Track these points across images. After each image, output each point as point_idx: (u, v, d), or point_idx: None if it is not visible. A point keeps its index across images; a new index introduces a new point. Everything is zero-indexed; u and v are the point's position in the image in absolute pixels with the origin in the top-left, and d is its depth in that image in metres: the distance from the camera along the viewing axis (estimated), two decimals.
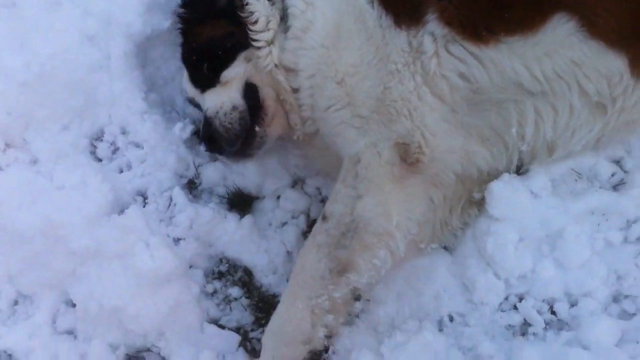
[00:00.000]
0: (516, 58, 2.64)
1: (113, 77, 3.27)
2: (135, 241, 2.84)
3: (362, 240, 2.66)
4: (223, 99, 3.00)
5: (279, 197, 3.25)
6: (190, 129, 3.33)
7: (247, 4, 2.98)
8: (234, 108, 2.97)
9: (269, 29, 2.98)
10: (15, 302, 3.00)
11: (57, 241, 2.86)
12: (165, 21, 3.31)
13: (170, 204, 3.11)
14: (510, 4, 2.63)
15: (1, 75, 3.17)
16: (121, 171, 3.21)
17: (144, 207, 3.07)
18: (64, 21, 3.27)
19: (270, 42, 2.97)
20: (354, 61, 2.77)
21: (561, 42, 2.61)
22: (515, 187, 2.78)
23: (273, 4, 3.01)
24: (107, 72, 3.27)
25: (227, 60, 3.04)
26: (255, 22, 2.96)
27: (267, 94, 3.03)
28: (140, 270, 2.79)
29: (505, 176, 2.81)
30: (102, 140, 3.28)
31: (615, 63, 2.63)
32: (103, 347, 2.80)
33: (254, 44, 2.97)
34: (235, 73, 3.02)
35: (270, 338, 2.76)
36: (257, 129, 3.00)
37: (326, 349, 2.83)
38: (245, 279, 3.12)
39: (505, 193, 2.77)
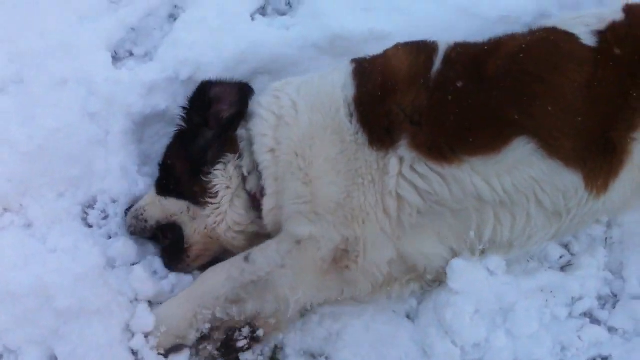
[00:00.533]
0: (477, 175, 2.93)
1: (109, 151, 3.57)
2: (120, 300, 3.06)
3: (262, 295, 2.96)
4: (147, 207, 3.39)
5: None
6: None
7: (212, 174, 3.27)
8: (145, 221, 3.38)
9: (226, 205, 3.27)
10: (1, 356, 3.12)
11: (46, 300, 3.01)
12: (164, 102, 3.65)
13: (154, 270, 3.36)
14: (475, 128, 2.93)
15: (6, 145, 3.39)
16: (109, 237, 3.44)
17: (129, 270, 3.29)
18: (69, 99, 3.57)
19: (223, 214, 3.27)
20: (325, 168, 3.03)
21: (521, 161, 2.92)
22: (474, 264, 3.08)
23: (237, 186, 3.27)
24: (105, 147, 3.56)
25: (168, 192, 3.39)
26: (215, 195, 3.27)
27: (195, 241, 3.34)
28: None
29: (465, 254, 3.09)
30: (93, 208, 3.53)
31: (571, 179, 2.94)
32: None
33: (205, 210, 3.28)
34: (167, 208, 3.37)
35: (163, 308, 3.08)
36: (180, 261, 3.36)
37: None
38: None
39: (464, 269, 3.05)
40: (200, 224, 3.31)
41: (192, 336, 3.02)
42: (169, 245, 3.41)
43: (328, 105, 3.12)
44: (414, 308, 3.21)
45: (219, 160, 3.28)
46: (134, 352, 2.99)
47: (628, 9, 3.14)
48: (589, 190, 2.96)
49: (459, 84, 2.97)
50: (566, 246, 3.26)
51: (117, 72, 3.77)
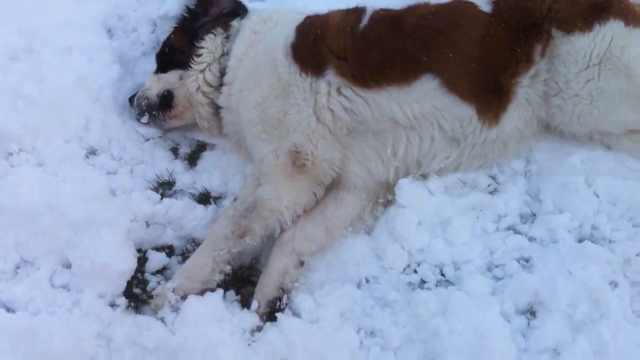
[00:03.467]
0: (393, 101, 3.71)
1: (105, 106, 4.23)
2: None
3: (259, 213, 3.63)
4: (149, 87, 4.28)
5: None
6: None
7: (203, 39, 4.16)
8: (146, 98, 4.25)
9: (205, 64, 4.15)
10: (17, 267, 3.62)
11: (61, 216, 3.54)
12: None
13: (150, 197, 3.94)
14: (392, 65, 3.72)
15: (21, 98, 4.00)
16: (114, 173, 4.04)
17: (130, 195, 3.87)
18: (73, 63, 4.25)
19: (201, 72, 4.15)
20: (263, 95, 3.83)
21: (427, 94, 3.71)
22: (417, 185, 3.75)
23: (220, 55, 4.16)
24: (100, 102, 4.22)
25: (168, 66, 4.29)
26: (199, 55, 4.15)
27: (180, 103, 4.26)
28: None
29: (410, 177, 3.78)
30: (95, 153, 4.12)
31: (466, 111, 3.74)
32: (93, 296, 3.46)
33: (189, 68, 4.15)
34: (166, 79, 4.28)
35: (180, 272, 3.64)
36: (162, 116, 4.27)
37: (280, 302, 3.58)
38: None
39: (410, 188, 3.73)
40: (185, 87, 4.19)
41: (217, 277, 3.61)
42: (160, 101, 4.26)
43: (273, 47, 3.94)
44: (370, 225, 3.84)
45: (212, 31, 4.20)
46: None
47: None
48: (482, 121, 3.76)
49: (381, 33, 3.79)
50: (493, 177, 3.94)
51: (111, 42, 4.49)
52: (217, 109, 4.17)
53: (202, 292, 3.54)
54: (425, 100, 3.70)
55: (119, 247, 3.52)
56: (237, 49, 4.11)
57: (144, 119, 4.27)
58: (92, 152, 4.11)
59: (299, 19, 4.09)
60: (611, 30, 3.73)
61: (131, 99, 4.34)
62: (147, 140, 4.32)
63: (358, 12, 3.99)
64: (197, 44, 4.16)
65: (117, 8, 4.77)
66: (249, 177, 3.79)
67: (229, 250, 3.60)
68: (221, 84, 4.12)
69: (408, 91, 3.69)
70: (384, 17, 3.92)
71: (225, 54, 4.15)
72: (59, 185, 3.71)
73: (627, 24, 3.76)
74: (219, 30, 4.21)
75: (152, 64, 4.41)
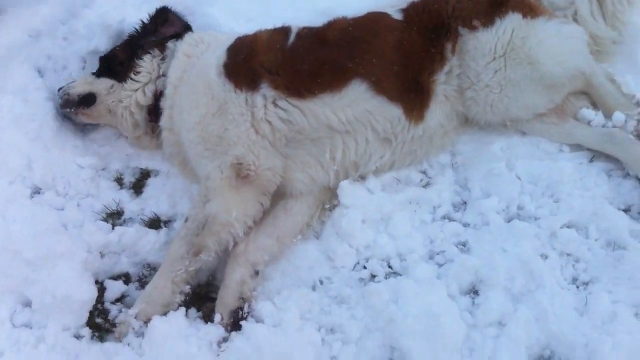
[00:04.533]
0: (327, 108, 3.97)
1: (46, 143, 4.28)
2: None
3: (211, 229, 3.77)
4: (77, 85, 4.49)
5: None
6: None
7: (141, 58, 4.36)
8: (68, 94, 4.47)
9: (141, 84, 4.38)
10: None
11: (15, 254, 3.59)
12: None
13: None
14: (322, 73, 3.99)
15: None
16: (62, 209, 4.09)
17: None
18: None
19: (135, 91, 4.37)
20: (201, 114, 4.02)
21: (357, 98, 4.00)
22: (357, 186, 4.02)
23: (156, 77, 4.38)
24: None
25: (104, 72, 4.51)
26: (138, 73, 4.38)
27: (100, 109, 4.48)
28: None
29: (350, 179, 4.04)
30: (40, 191, 4.17)
31: (394, 111, 4.05)
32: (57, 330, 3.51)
33: (125, 84, 4.38)
34: (96, 84, 4.49)
35: (141, 298, 3.74)
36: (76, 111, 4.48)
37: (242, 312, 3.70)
38: None
39: (351, 189, 4.00)
40: (111, 98, 4.44)
41: (177, 299, 3.72)
42: (79, 100, 4.47)
43: (207, 68, 4.14)
44: (318, 230, 4.06)
45: (150, 51, 4.41)
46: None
47: None
48: (409, 119, 4.08)
49: (308, 46, 4.09)
50: (424, 172, 4.26)
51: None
52: (140, 125, 4.45)
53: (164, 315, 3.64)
54: (357, 104, 3.98)
55: (78, 278, 3.61)
56: (172, 74, 4.29)
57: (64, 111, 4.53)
58: (37, 191, 4.16)
59: (230, 39, 4.31)
60: (511, 23, 4.16)
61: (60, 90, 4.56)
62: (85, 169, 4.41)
63: (285, 30, 4.26)
64: (136, 61, 4.38)
65: (45, 49, 4.82)
66: (197, 196, 3.95)
67: (186, 270, 3.72)
68: (155, 105, 4.34)
69: (340, 97, 3.96)
70: (309, 33, 4.20)
71: (161, 76, 4.36)
72: (9, 226, 3.74)
73: (524, 16, 4.19)
74: (156, 51, 4.42)
75: None
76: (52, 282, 3.54)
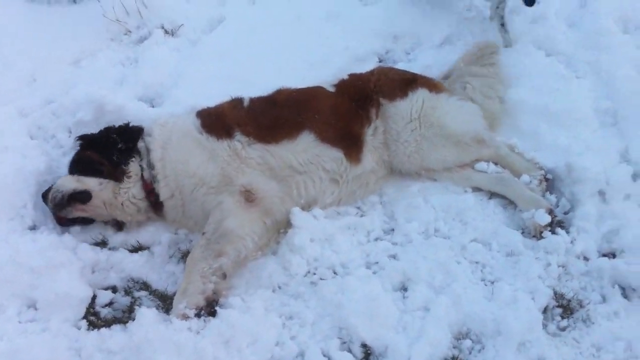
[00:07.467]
0: (288, 152, 4.94)
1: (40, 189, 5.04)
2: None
3: (229, 239, 4.51)
4: (64, 184, 4.80)
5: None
6: None
7: (128, 164, 4.98)
8: (61, 192, 4.76)
9: (132, 183, 4.96)
10: None
11: (20, 266, 4.28)
12: None
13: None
14: (279, 127, 5.02)
15: None
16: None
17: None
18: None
19: (129, 189, 4.90)
20: (198, 162, 4.81)
21: (309, 145, 5.01)
22: (305, 213, 4.90)
23: (141, 175, 4.95)
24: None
25: (87, 172, 4.88)
26: (130, 177, 4.94)
27: (96, 203, 4.85)
28: None
29: (298, 207, 4.92)
30: (35, 228, 4.89)
31: (337, 155, 5.08)
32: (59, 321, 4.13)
33: (121, 185, 4.89)
34: (85, 182, 4.84)
35: (179, 293, 4.35)
36: (71, 208, 4.80)
37: (216, 302, 4.38)
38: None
39: (300, 214, 4.84)
40: (106, 192, 4.85)
41: (210, 287, 4.30)
42: (77, 193, 4.78)
43: (187, 131, 4.99)
44: (276, 249, 4.86)
45: (132, 158, 4.97)
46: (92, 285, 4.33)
47: (351, 75, 5.61)
48: (349, 161, 5.11)
49: (263, 107, 5.14)
50: (358, 207, 5.22)
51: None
52: (141, 210, 4.98)
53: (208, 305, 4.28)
54: (309, 149, 4.99)
55: (76, 280, 4.30)
56: (155, 156, 4.90)
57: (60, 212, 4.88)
58: (32, 227, 4.89)
59: (191, 112, 5.25)
60: (421, 95, 5.37)
61: (44, 195, 4.84)
62: None
63: (239, 98, 5.28)
64: (126, 168, 4.91)
65: (36, 120, 5.67)
66: (211, 218, 4.60)
67: (210, 267, 4.32)
68: (151, 189, 4.91)
69: (295, 144, 4.97)
70: (259, 99, 5.26)
71: (145, 169, 4.95)
72: (12, 247, 4.45)
73: (430, 90, 5.43)
74: (136, 157, 4.98)
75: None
76: (55, 283, 4.19)
